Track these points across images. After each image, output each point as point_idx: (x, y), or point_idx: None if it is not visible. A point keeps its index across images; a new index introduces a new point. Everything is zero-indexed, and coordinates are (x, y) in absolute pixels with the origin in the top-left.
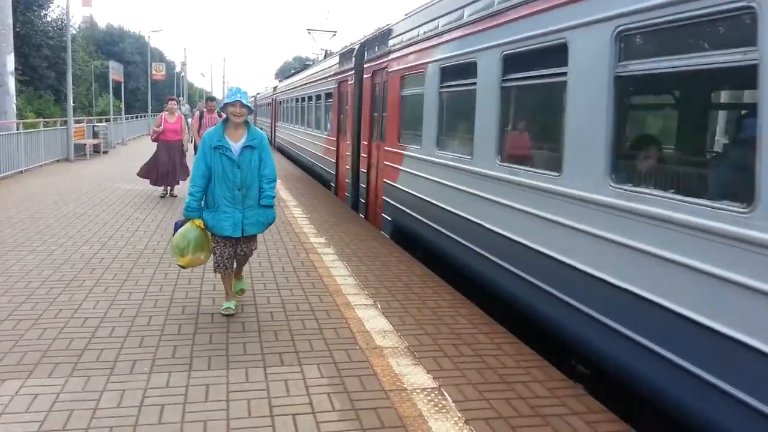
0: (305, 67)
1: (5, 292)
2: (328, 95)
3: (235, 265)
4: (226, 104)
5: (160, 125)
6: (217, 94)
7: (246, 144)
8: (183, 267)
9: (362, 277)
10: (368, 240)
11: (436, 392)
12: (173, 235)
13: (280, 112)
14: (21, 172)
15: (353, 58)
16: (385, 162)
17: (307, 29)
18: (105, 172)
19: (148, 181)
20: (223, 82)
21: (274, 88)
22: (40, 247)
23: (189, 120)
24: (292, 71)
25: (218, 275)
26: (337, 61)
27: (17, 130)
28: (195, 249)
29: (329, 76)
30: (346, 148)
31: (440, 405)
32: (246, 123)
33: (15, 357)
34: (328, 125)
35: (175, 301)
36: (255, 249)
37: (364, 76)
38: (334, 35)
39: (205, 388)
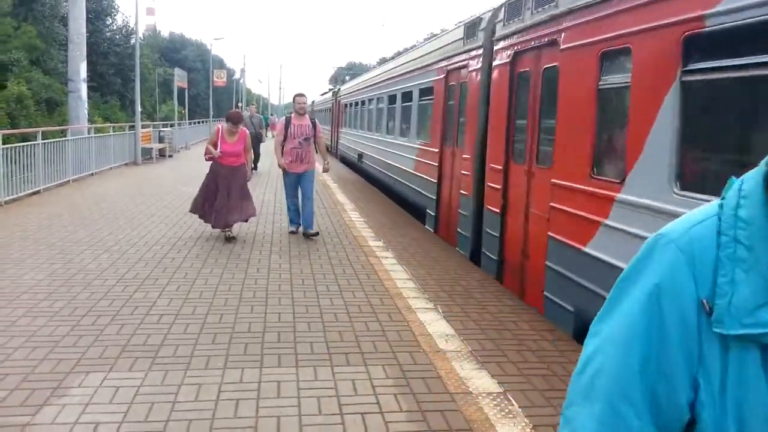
0: None
1: (84, 288)
2: None
3: None
4: None
5: (217, 146)
6: (273, 100)
7: None
8: None
9: (422, 280)
10: (426, 244)
11: (502, 397)
12: None
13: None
14: (92, 174)
15: None
16: (556, 205)
17: None
18: (171, 175)
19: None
20: (280, 88)
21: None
22: (114, 246)
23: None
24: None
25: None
26: None
27: (89, 134)
28: None
29: None
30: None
31: (506, 410)
32: None
33: (97, 351)
34: None
35: (244, 299)
36: None
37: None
38: None
39: (276, 385)
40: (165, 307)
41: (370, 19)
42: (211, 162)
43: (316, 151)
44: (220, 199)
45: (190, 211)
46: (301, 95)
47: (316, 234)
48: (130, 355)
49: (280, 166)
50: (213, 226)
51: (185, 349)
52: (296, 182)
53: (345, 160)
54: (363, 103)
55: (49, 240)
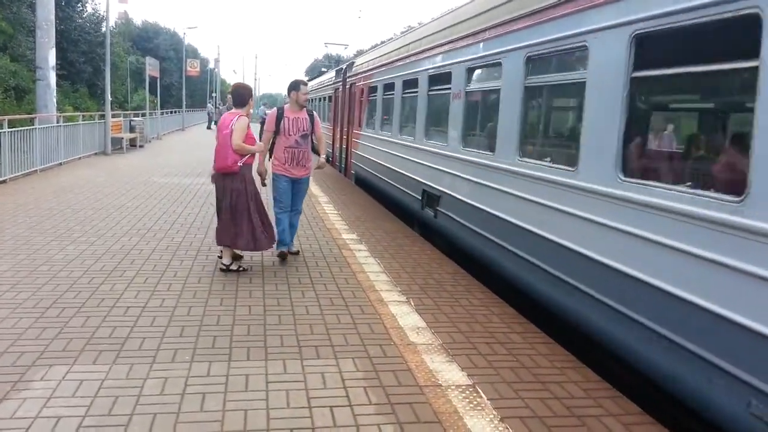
0: None
1: (49, 280)
2: None
3: None
4: None
5: (255, 141)
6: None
7: None
8: None
9: (395, 273)
10: (400, 237)
11: (471, 389)
12: None
13: None
14: (60, 164)
15: None
16: None
17: None
18: (141, 166)
19: (185, 173)
20: (255, 79)
21: None
22: (81, 237)
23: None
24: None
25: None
26: None
27: (58, 123)
28: None
29: None
30: None
31: (475, 402)
32: None
33: (61, 343)
34: None
35: (213, 292)
36: None
37: None
38: None
39: (244, 378)
40: (132, 299)
41: (346, 10)
42: (240, 168)
43: (313, 151)
44: (260, 213)
45: (218, 242)
46: (304, 83)
47: (296, 253)
48: (95, 347)
49: (259, 172)
50: (267, 247)
51: (152, 342)
52: (290, 189)
53: (365, 184)
54: (441, 79)
55: (14, 230)
